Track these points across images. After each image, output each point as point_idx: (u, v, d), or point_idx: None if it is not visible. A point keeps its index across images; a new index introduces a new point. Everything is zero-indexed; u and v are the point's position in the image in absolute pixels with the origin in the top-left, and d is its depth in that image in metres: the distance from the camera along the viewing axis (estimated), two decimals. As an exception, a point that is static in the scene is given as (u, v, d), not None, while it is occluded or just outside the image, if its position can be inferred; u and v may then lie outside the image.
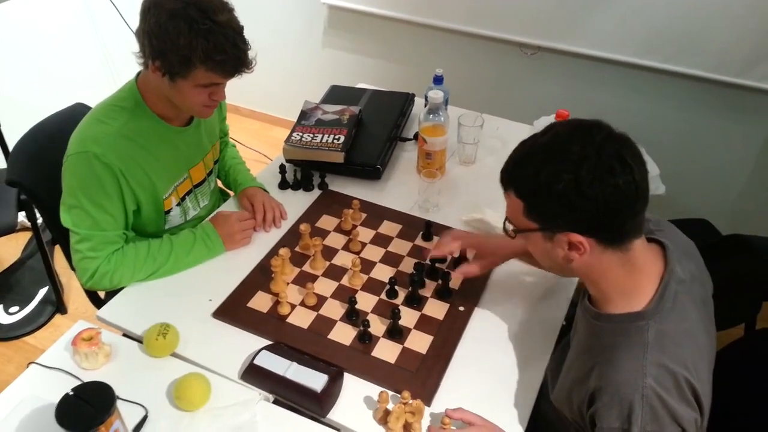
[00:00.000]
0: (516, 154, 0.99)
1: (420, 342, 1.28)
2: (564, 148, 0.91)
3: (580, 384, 1.01)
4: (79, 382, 1.13)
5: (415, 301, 1.36)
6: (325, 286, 1.41)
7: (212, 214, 1.60)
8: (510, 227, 1.03)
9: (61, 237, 1.57)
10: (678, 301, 0.98)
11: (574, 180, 0.88)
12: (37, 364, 1.21)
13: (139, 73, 1.40)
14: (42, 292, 2.46)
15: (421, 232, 1.56)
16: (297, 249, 1.51)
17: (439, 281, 1.40)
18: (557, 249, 0.97)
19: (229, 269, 1.45)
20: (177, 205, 1.52)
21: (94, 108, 1.40)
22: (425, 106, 1.72)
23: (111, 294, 1.43)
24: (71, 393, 0.98)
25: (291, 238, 1.54)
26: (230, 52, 1.24)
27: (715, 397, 0.99)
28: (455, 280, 1.40)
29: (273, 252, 1.48)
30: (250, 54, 1.29)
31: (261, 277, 1.42)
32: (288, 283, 1.41)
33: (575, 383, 1.04)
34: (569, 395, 1.06)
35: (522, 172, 0.97)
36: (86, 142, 1.32)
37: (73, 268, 1.63)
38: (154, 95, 1.38)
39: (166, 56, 1.24)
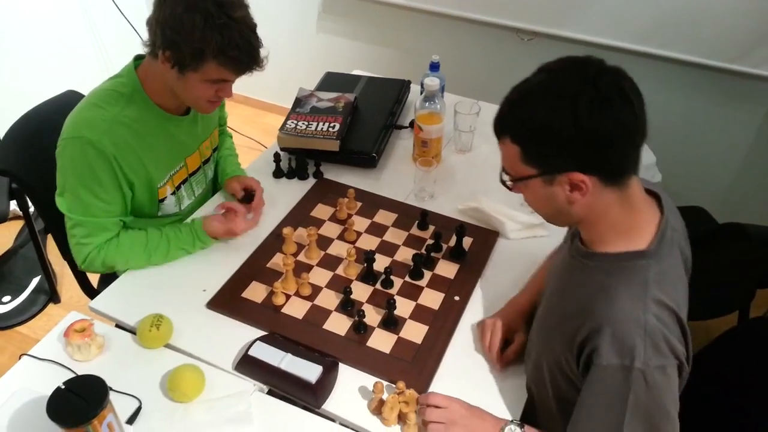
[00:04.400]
0: (509, 98, 0.97)
1: (415, 332, 1.27)
2: (558, 85, 0.90)
3: (569, 327, 0.99)
4: (72, 374, 1.13)
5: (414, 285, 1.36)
6: (320, 276, 1.40)
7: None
8: (507, 177, 1.00)
9: (54, 226, 1.55)
10: (673, 246, 0.99)
11: (571, 114, 0.87)
12: (29, 355, 1.20)
13: (137, 58, 1.38)
14: (35, 282, 2.45)
15: (416, 222, 1.55)
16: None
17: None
18: (558, 193, 0.95)
19: (223, 259, 1.43)
20: (172, 194, 1.50)
21: (91, 92, 1.38)
22: (421, 93, 1.71)
23: (104, 284, 1.42)
24: (63, 387, 0.97)
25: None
26: (244, 49, 1.24)
27: (710, 384, 0.99)
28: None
29: (268, 241, 1.47)
30: (262, 52, 1.29)
31: (255, 267, 1.41)
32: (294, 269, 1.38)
33: (559, 327, 1.03)
34: (549, 342, 1.05)
35: (517, 115, 0.94)
36: (81, 127, 1.30)
37: (65, 258, 1.62)
38: (155, 84, 1.36)
39: (178, 48, 1.22)
